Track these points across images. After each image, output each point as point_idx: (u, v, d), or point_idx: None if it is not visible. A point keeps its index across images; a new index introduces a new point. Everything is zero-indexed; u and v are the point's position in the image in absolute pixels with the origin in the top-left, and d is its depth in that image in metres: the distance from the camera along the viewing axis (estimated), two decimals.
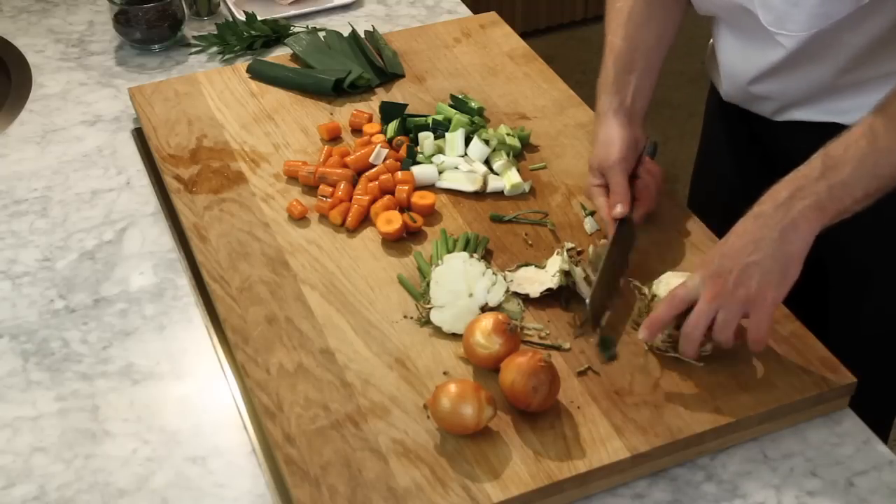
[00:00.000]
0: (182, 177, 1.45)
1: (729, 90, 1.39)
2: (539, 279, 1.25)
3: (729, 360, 1.16)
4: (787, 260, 1.07)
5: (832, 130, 1.12)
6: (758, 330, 1.09)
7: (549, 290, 1.23)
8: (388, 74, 1.66)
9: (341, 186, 1.40)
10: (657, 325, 1.13)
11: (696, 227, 1.34)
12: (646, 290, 1.19)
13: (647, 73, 1.34)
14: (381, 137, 1.50)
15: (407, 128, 1.51)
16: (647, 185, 1.32)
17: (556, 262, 1.26)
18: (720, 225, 1.20)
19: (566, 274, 1.23)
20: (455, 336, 1.20)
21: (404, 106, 1.55)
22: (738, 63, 1.34)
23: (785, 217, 1.07)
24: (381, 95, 1.62)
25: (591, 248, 1.29)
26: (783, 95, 1.32)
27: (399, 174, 1.41)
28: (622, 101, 1.32)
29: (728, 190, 1.16)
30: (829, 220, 1.08)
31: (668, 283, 1.17)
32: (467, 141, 1.47)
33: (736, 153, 1.50)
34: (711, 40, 1.44)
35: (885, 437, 1.43)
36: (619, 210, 1.25)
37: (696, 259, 1.29)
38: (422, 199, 1.39)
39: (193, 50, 1.79)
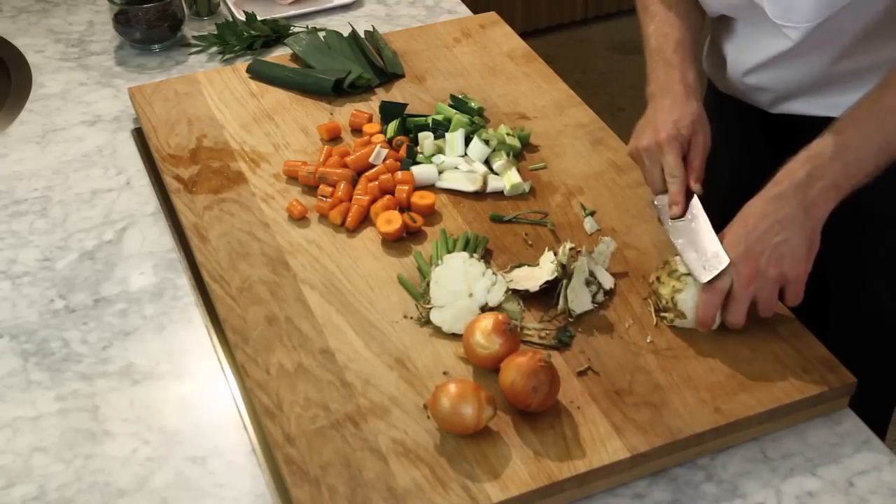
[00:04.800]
0: (182, 177, 1.45)
1: (727, 81, 1.40)
2: (535, 276, 1.25)
3: (729, 360, 1.16)
4: (811, 234, 1.12)
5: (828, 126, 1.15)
6: (795, 298, 1.15)
7: (547, 282, 1.23)
8: (388, 74, 1.66)
9: (341, 186, 1.40)
10: (709, 322, 1.16)
11: None
12: (661, 274, 1.21)
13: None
14: (381, 137, 1.50)
15: (407, 128, 1.51)
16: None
17: (548, 258, 1.26)
18: (718, 219, 1.20)
19: (562, 266, 1.23)
20: (455, 336, 1.20)
21: (404, 106, 1.55)
22: (736, 55, 1.35)
23: (805, 197, 1.11)
24: (381, 95, 1.62)
25: (596, 245, 1.29)
26: (779, 86, 1.34)
27: (399, 174, 1.41)
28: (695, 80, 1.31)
29: (725, 186, 1.17)
30: (843, 196, 1.12)
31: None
32: (467, 141, 1.47)
33: (732, 152, 1.51)
34: (709, 36, 1.44)
35: (884, 437, 1.44)
36: (699, 188, 1.24)
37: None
38: (422, 199, 1.39)
39: (193, 50, 1.79)
